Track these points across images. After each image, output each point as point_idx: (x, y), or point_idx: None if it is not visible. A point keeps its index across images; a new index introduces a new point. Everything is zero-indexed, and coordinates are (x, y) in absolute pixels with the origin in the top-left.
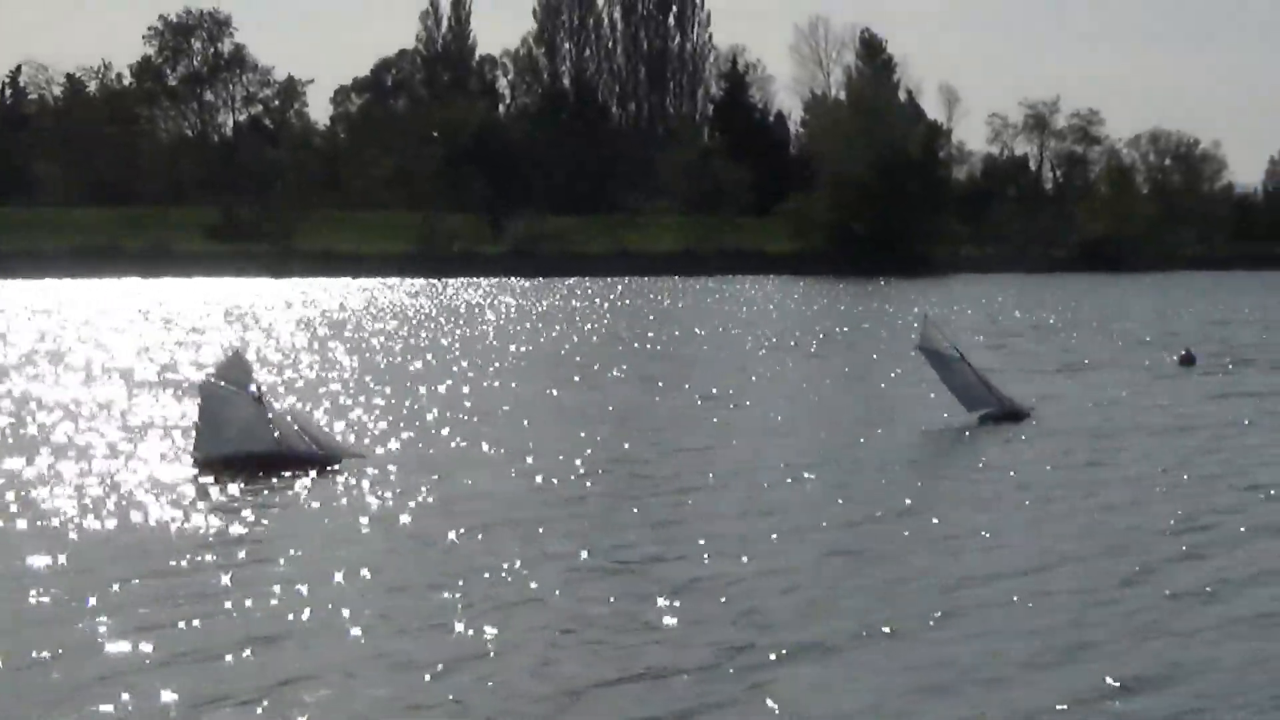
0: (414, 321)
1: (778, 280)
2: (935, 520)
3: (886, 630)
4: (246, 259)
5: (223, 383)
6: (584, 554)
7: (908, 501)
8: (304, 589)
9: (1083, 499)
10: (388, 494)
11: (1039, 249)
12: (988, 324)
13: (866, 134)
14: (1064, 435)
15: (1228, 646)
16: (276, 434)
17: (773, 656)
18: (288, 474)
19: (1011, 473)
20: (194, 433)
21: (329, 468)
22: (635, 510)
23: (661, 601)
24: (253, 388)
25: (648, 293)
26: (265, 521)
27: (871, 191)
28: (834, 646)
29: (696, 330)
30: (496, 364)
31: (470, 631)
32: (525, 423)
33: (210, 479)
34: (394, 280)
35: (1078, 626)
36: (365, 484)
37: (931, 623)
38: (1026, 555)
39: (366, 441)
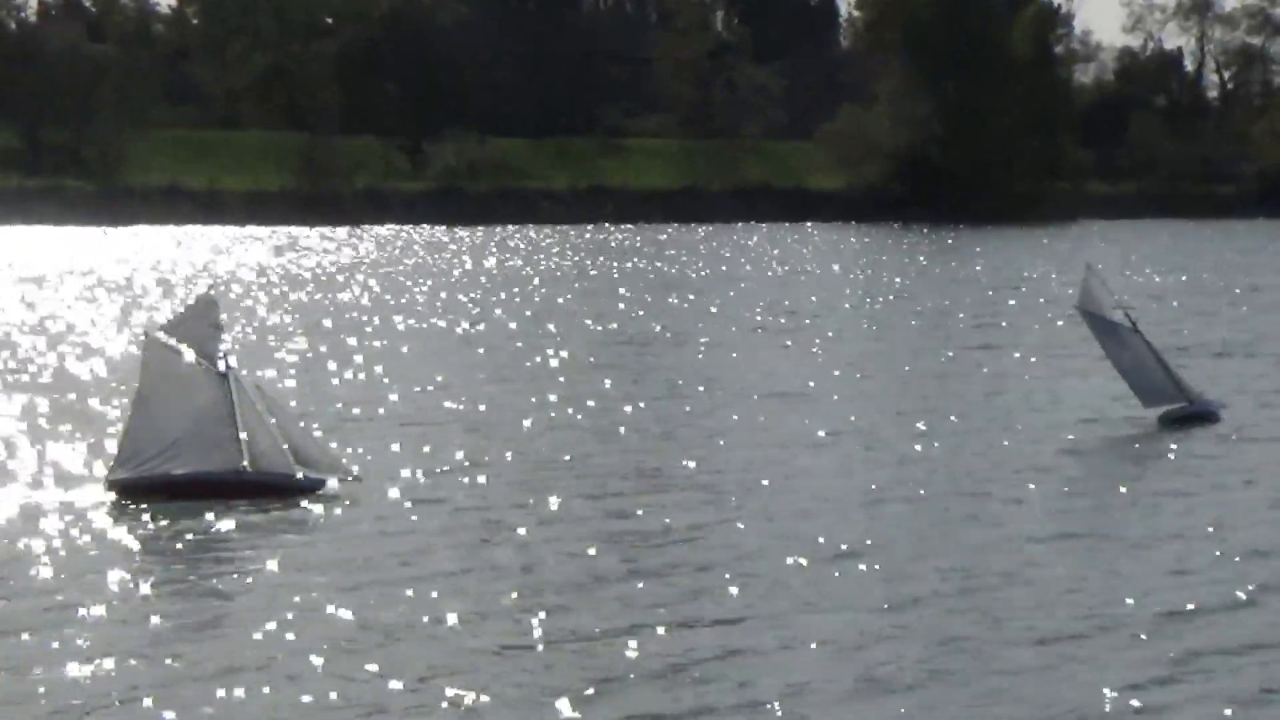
0: (281, 291)
1: (821, 229)
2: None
3: None
4: (54, 199)
5: (181, 345)
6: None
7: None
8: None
9: None
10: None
11: (1198, 185)
12: (1126, 291)
13: (950, 18)
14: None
15: None
16: (244, 441)
17: None
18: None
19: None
20: (121, 436)
21: (311, 494)
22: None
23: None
24: (222, 358)
25: (631, 246)
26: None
27: (955, 102)
28: None
29: (700, 302)
30: (377, 346)
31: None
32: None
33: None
34: (266, 230)
35: None
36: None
37: None
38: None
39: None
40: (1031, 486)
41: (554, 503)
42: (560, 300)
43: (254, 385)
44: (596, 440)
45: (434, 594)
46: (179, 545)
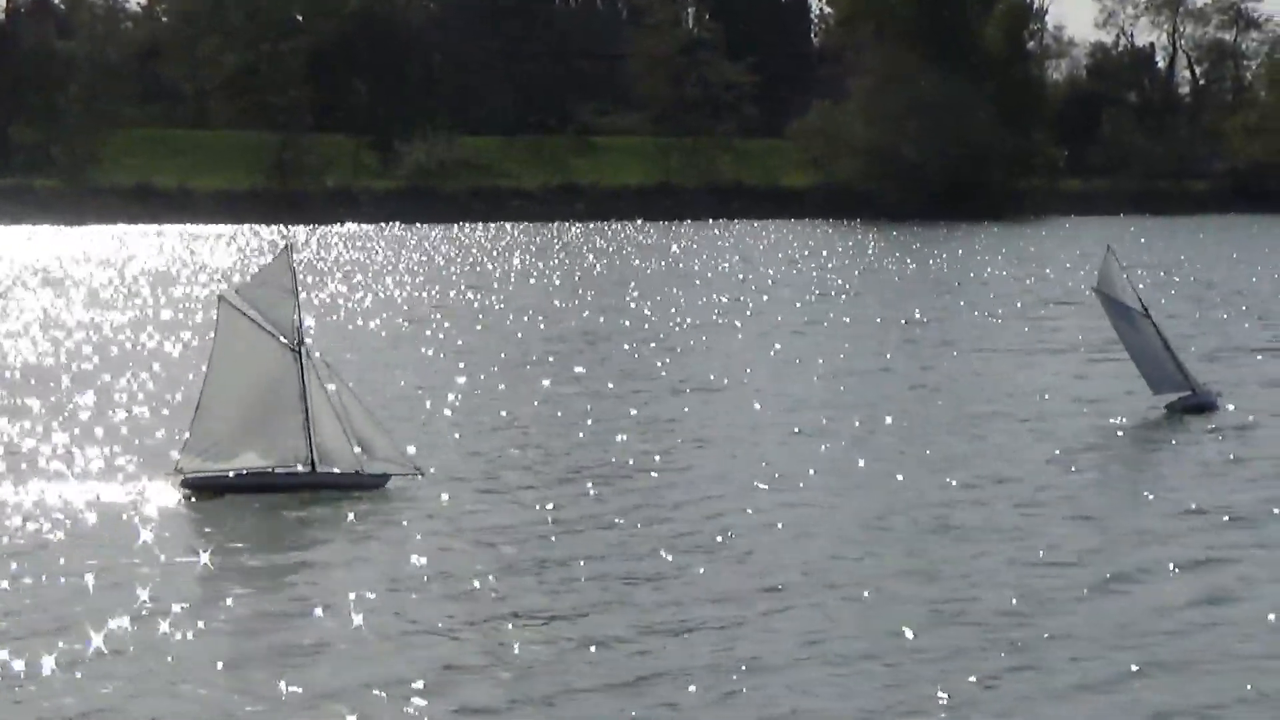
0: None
1: (794, 226)
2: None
3: None
4: (23, 199)
5: (252, 311)
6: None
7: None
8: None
9: None
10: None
11: (1171, 181)
12: (1084, 286)
13: (923, 14)
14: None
15: None
16: (311, 429)
17: None
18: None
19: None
20: (194, 415)
21: (373, 491)
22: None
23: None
24: (297, 329)
25: (604, 244)
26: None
27: (927, 99)
28: None
29: (675, 298)
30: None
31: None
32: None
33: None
34: (236, 229)
35: None
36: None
37: None
38: None
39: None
40: (1015, 473)
41: (610, 500)
42: (532, 298)
43: (324, 364)
44: (639, 438)
45: (496, 591)
46: (238, 539)
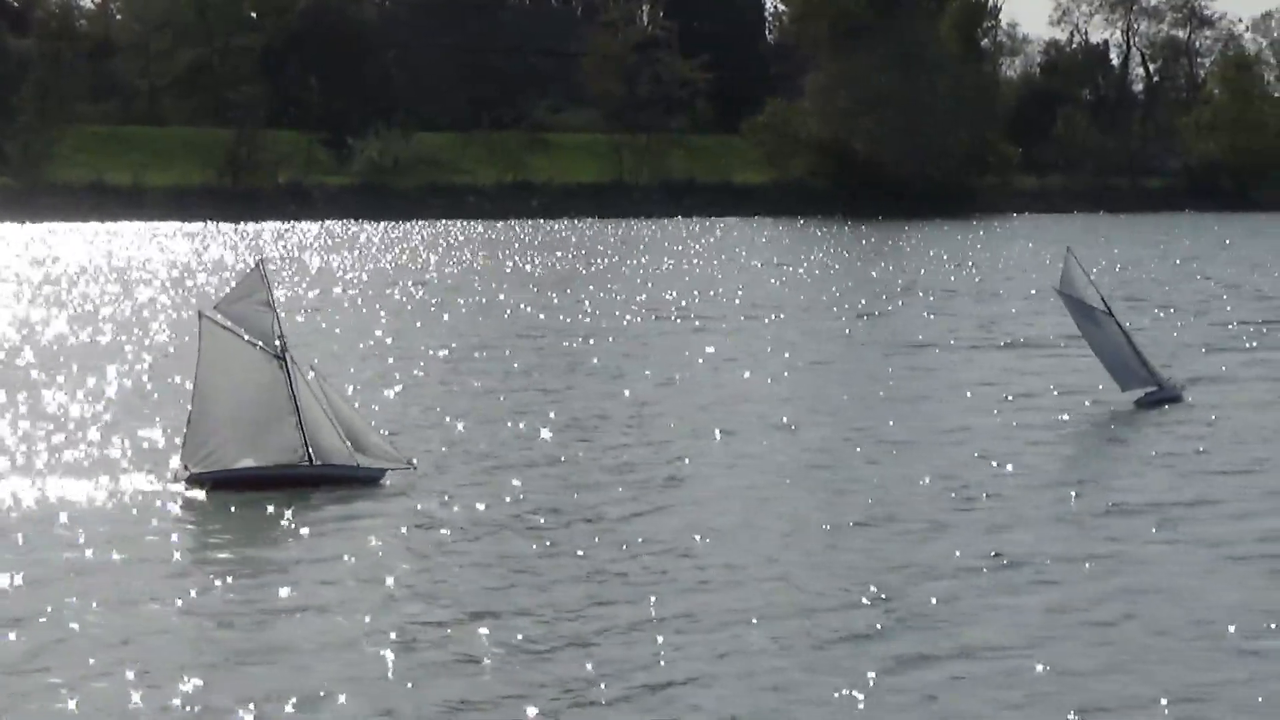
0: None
1: (748, 223)
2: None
3: None
4: None
5: (235, 325)
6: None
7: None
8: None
9: None
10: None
11: (1126, 179)
12: (1038, 282)
13: (877, 12)
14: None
15: None
16: (305, 430)
17: None
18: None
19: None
20: (187, 425)
21: (369, 486)
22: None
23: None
24: (278, 339)
25: (558, 241)
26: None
27: (882, 96)
28: None
29: (625, 301)
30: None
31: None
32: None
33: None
34: (192, 226)
35: None
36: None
37: None
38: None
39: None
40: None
41: (604, 495)
42: (482, 295)
43: (309, 369)
44: (623, 434)
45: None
46: (233, 536)
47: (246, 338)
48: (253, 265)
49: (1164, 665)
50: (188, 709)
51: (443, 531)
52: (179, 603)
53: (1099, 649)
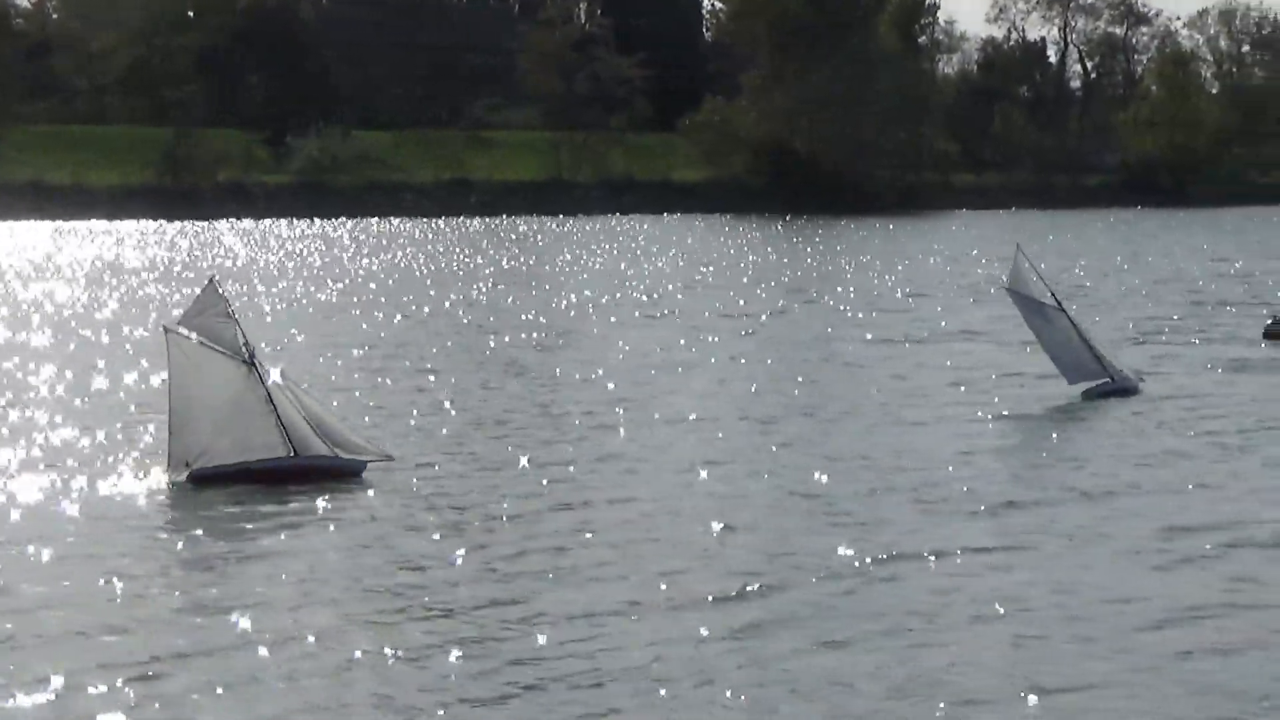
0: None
1: (686, 220)
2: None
3: None
4: None
5: (200, 338)
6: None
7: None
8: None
9: None
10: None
11: (1063, 176)
12: (995, 278)
13: (815, 9)
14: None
15: None
16: (286, 428)
17: None
18: (298, 488)
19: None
20: (169, 435)
21: (352, 477)
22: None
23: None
24: (244, 346)
25: (496, 238)
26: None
27: (820, 94)
28: None
29: (566, 297)
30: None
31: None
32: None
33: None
34: (128, 225)
35: None
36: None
37: None
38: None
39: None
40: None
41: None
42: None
43: (278, 373)
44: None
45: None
46: (211, 532)
47: (214, 348)
48: (206, 282)
49: (1041, 662)
50: (139, 707)
51: (418, 522)
52: (140, 597)
53: (979, 640)
